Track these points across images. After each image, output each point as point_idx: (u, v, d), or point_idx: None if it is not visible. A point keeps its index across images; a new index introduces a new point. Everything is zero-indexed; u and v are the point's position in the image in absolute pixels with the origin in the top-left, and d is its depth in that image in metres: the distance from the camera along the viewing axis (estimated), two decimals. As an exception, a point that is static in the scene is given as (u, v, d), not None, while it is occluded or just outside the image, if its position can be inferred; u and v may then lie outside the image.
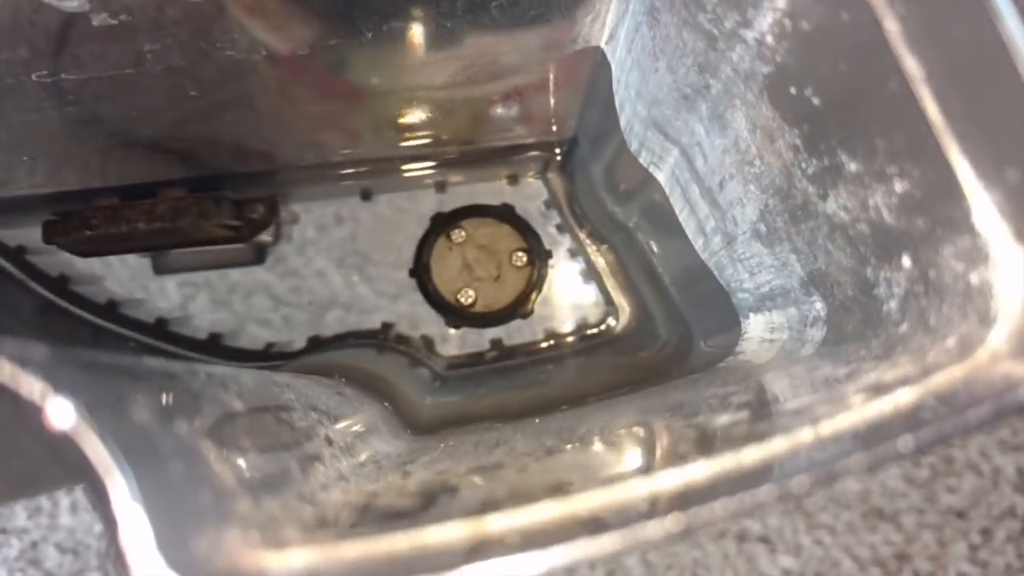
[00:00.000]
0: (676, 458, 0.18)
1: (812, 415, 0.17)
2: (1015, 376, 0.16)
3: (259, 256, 0.60)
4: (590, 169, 0.51)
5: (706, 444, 0.20)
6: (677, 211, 0.37)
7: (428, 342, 0.58)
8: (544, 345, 0.57)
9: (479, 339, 0.58)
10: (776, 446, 0.16)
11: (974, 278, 0.19)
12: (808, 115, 0.24)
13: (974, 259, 0.19)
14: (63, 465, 0.13)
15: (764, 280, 0.31)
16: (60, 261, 0.54)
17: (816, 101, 0.23)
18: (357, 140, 0.47)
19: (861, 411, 0.17)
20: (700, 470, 0.16)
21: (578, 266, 0.58)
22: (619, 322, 0.57)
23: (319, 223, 0.59)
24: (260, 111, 0.40)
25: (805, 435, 0.17)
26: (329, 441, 0.26)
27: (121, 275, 0.57)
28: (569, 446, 0.27)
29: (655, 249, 0.46)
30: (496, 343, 0.57)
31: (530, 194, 0.59)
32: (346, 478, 0.24)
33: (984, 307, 0.18)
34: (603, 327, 0.57)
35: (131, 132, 0.42)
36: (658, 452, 0.23)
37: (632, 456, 0.27)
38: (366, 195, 0.59)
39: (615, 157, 0.44)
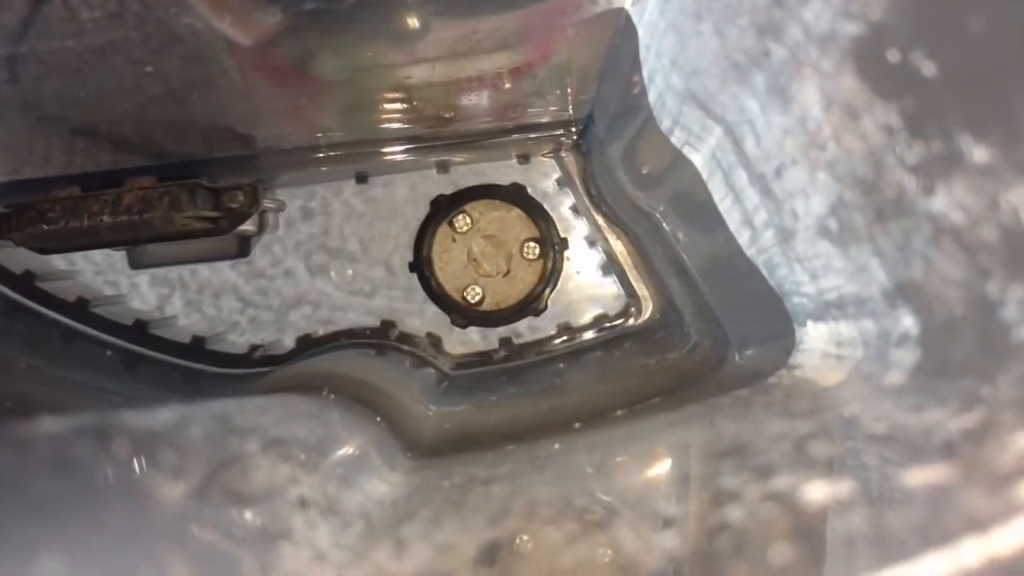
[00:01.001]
0: (774, 568, 0.12)
1: (969, 514, 0.12)
2: None
3: (243, 248, 0.54)
4: (608, 152, 0.45)
5: (811, 544, 0.15)
6: (717, 200, 0.32)
7: (435, 340, 0.53)
8: (558, 341, 0.52)
9: (487, 337, 0.53)
10: (934, 569, 0.11)
11: None
12: (914, 87, 0.18)
13: None
14: None
15: (831, 285, 0.26)
16: (25, 257, 0.49)
17: (928, 69, 0.17)
18: (346, 120, 0.42)
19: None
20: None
21: (595, 253, 0.52)
22: (642, 315, 0.52)
23: (308, 211, 0.54)
24: (229, 91, 0.35)
25: (971, 552, 0.11)
26: (303, 503, 0.21)
27: (93, 270, 0.52)
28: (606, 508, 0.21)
29: (685, 241, 0.40)
30: (505, 342, 0.52)
31: (542, 173, 0.54)
32: (324, 556, 0.19)
33: None
34: (624, 320, 0.52)
35: (86, 115, 0.36)
36: (725, 537, 0.17)
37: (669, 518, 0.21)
38: (361, 178, 0.53)
39: (639, 137, 0.39)
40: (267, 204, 0.52)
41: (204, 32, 0.28)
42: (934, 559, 0.11)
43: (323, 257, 0.54)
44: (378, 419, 0.37)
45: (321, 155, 0.45)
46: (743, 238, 0.31)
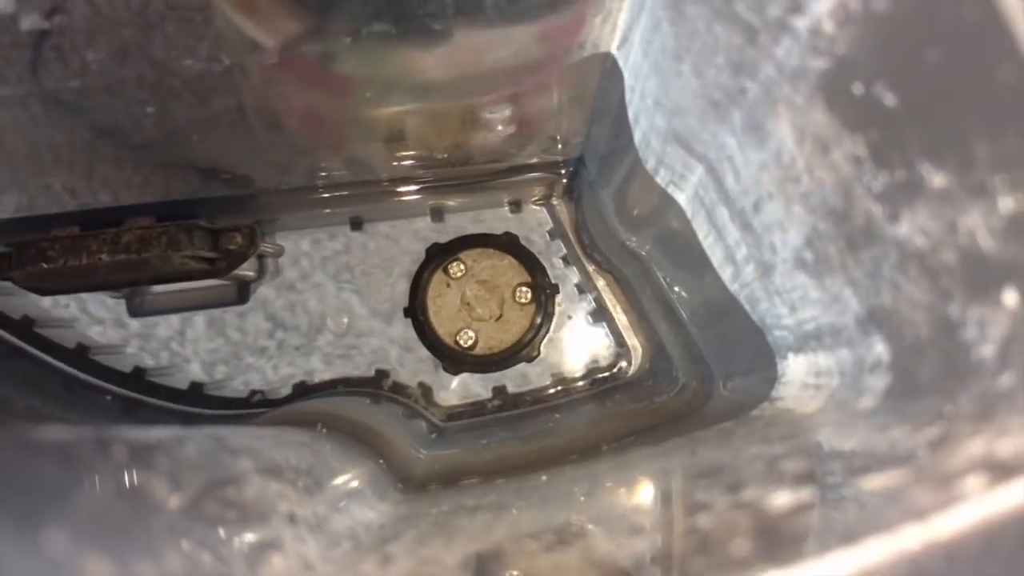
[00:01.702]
0: (731, 560, 0.13)
1: (911, 505, 0.13)
2: None
3: (242, 295, 0.55)
4: (598, 193, 0.46)
5: (768, 539, 0.15)
6: (701, 237, 0.32)
7: (426, 391, 0.53)
8: (552, 392, 0.53)
9: (481, 385, 0.53)
10: (874, 553, 0.12)
11: (1119, 321, 0.14)
12: (878, 119, 0.19)
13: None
14: None
15: (808, 316, 0.27)
16: (23, 302, 0.50)
17: (890, 101, 0.18)
18: (344, 154, 0.43)
19: (983, 502, 0.13)
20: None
21: (587, 303, 0.53)
22: (632, 365, 0.52)
23: (306, 257, 0.55)
24: (235, 127, 0.36)
25: (911, 537, 0.12)
26: (292, 519, 0.21)
27: (93, 318, 0.52)
28: (582, 519, 0.22)
29: (672, 281, 0.41)
30: (499, 390, 0.52)
31: (534, 223, 0.55)
32: (312, 566, 0.20)
33: None
34: (615, 371, 0.53)
35: (87, 153, 0.37)
36: (695, 539, 0.18)
37: (652, 535, 0.22)
38: (356, 224, 0.54)
39: (627, 178, 0.40)
40: (266, 248, 0.53)
41: (205, 52, 0.29)
42: (876, 543, 0.12)
43: (319, 305, 0.54)
44: (370, 454, 0.37)
45: (318, 196, 0.46)
46: (726, 274, 0.32)
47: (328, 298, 0.54)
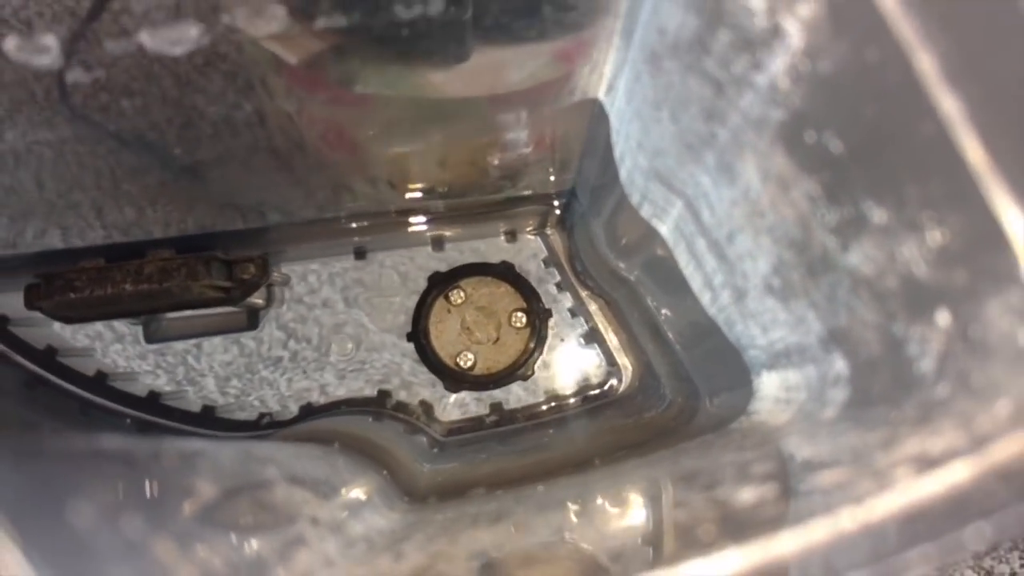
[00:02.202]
0: (699, 543, 0.15)
1: (852, 493, 0.15)
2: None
3: (252, 321, 0.58)
4: (590, 223, 0.49)
5: (732, 526, 0.18)
6: (682, 265, 0.35)
7: (427, 408, 0.56)
8: (545, 408, 0.55)
9: (479, 403, 0.56)
10: (816, 532, 0.14)
11: None
12: (827, 163, 0.22)
13: None
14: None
15: (778, 337, 0.30)
16: (47, 332, 0.53)
17: (836, 147, 0.21)
18: (357, 187, 0.45)
19: (908, 489, 0.15)
20: (730, 563, 0.14)
21: (579, 326, 0.56)
22: (622, 383, 0.55)
23: (313, 285, 0.57)
24: (256, 165, 0.39)
25: (848, 518, 0.15)
26: (315, 521, 0.24)
27: (111, 345, 0.55)
28: (575, 520, 0.25)
29: (659, 304, 0.44)
30: (496, 407, 0.55)
31: (529, 251, 0.58)
32: (333, 562, 0.22)
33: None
34: (606, 388, 0.55)
35: (113, 191, 0.40)
36: (672, 528, 0.21)
37: (641, 530, 0.25)
38: (360, 254, 0.57)
39: (616, 210, 0.43)
40: (274, 277, 0.55)
41: (229, 101, 0.32)
42: (818, 524, 0.14)
43: (325, 330, 0.57)
44: (377, 468, 0.40)
45: (326, 228, 0.49)
46: (705, 299, 0.35)
47: (333, 323, 0.57)
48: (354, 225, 0.51)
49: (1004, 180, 0.16)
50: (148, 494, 0.16)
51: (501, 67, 0.32)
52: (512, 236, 0.58)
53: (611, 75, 0.33)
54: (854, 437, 0.22)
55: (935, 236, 0.19)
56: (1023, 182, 0.16)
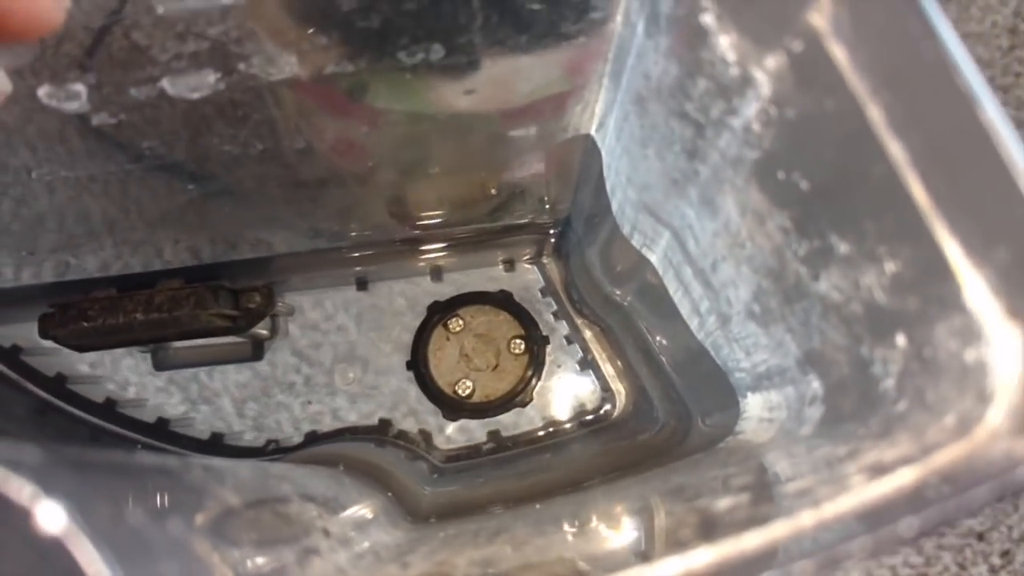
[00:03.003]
0: (678, 544, 0.17)
1: (813, 497, 0.17)
2: (1016, 454, 0.16)
3: (257, 352, 0.60)
4: (585, 251, 0.51)
5: (708, 528, 0.20)
6: (671, 292, 0.37)
7: (426, 436, 0.57)
8: (542, 434, 0.57)
9: (477, 431, 0.57)
10: (777, 530, 0.16)
11: (969, 356, 0.19)
12: (797, 199, 0.24)
13: (968, 337, 0.19)
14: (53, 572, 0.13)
15: (760, 360, 0.32)
16: (57, 361, 0.54)
17: (804, 185, 0.23)
18: (357, 213, 0.47)
19: (862, 492, 0.17)
20: (701, 557, 0.16)
21: (575, 353, 0.58)
22: (616, 408, 0.57)
23: (315, 315, 0.59)
24: (265, 198, 0.41)
25: (806, 518, 0.17)
26: (327, 533, 0.25)
27: (120, 373, 0.57)
28: (571, 534, 0.26)
29: (651, 329, 0.46)
30: (493, 434, 0.57)
31: (527, 280, 0.60)
32: (344, 571, 0.24)
33: (981, 385, 0.18)
34: (601, 413, 0.57)
35: (126, 225, 0.42)
36: (660, 537, 0.22)
37: (633, 542, 0.26)
38: (362, 284, 0.59)
39: (609, 239, 0.45)
40: (278, 307, 0.57)
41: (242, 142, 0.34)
42: (780, 524, 0.16)
43: (327, 360, 0.59)
44: (381, 489, 0.42)
45: (329, 257, 0.51)
46: (693, 324, 0.37)
47: (334, 354, 0.59)
48: (356, 254, 0.52)
49: (944, 217, 0.18)
50: (181, 501, 0.18)
51: (511, 79, 0.33)
52: (510, 265, 0.60)
53: (601, 114, 0.36)
54: (825, 451, 0.23)
55: (890, 266, 0.21)
56: (961, 220, 0.18)
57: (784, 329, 0.28)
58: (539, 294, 0.59)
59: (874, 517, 0.16)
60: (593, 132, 0.37)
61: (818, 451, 0.24)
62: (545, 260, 0.60)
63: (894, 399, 0.22)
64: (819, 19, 0.19)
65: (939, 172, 0.18)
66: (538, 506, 0.36)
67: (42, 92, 0.29)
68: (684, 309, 0.37)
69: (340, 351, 0.59)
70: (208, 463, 0.22)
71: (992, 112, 0.17)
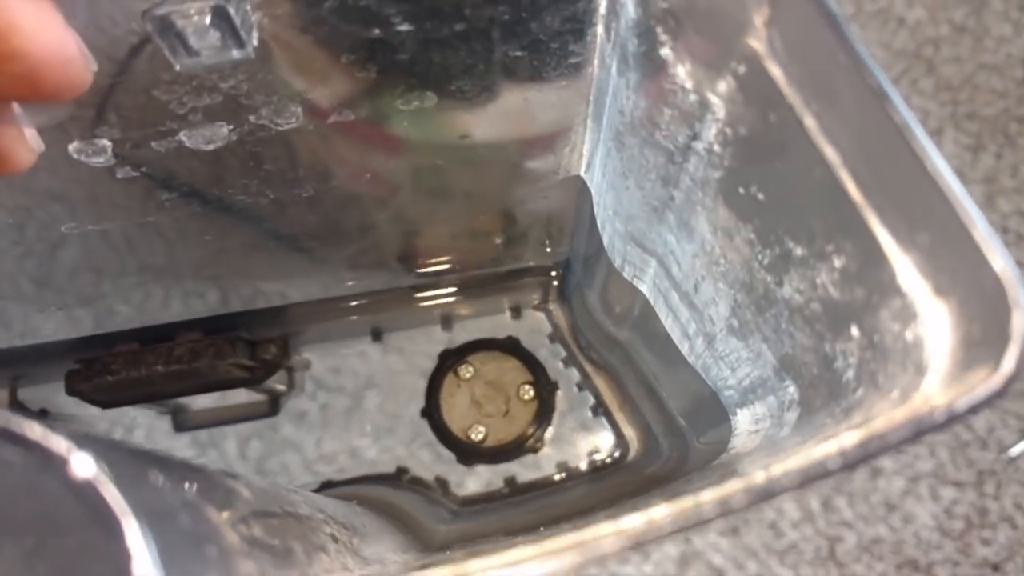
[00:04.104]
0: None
1: (766, 463, 0.19)
2: (936, 403, 0.18)
3: (274, 407, 0.62)
4: (585, 294, 0.53)
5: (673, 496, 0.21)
6: (662, 319, 0.39)
7: (443, 483, 0.59)
8: (557, 479, 0.58)
9: (493, 478, 0.59)
10: (730, 487, 0.18)
11: (909, 335, 0.21)
12: (757, 210, 0.26)
13: (906, 318, 0.21)
14: (85, 510, 0.15)
15: (744, 374, 0.33)
16: (81, 425, 0.57)
17: (761, 197, 0.25)
18: (369, 259, 0.50)
19: (808, 454, 0.19)
20: (661, 511, 0.18)
21: (587, 399, 0.59)
22: (630, 453, 0.58)
23: (331, 369, 0.62)
24: (279, 250, 0.44)
25: (757, 477, 0.18)
26: (335, 539, 0.27)
27: (140, 435, 0.59)
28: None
29: (649, 362, 0.48)
30: (509, 481, 0.58)
31: (534, 327, 0.62)
32: (350, 570, 0.26)
33: (919, 359, 0.20)
34: (616, 457, 0.58)
35: (146, 278, 0.45)
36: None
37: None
38: (376, 335, 0.62)
39: (606, 278, 0.47)
40: (295, 361, 0.60)
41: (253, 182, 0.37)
42: (733, 483, 0.18)
43: (343, 410, 0.61)
44: (397, 524, 0.43)
45: (343, 305, 0.54)
46: (684, 348, 0.39)
47: (349, 405, 0.61)
48: (367, 302, 0.55)
49: (874, 209, 0.20)
50: (204, 487, 0.20)
51: (528, 108, 0.35)
52: (517, 312, 0.62)
53: (588, 154, 0.38)
54: (794, 441, 0.25)
55: (838, 261, 0.23)
56: (889, 210, 0.20)
57: (760, 339, 0.30)
58: (547, 340, 0.61)
59: (814, 467, 0.18)
60: (583, 173, 0.40)
61: (788, 443, 0.26)
62: (551, 307, 0.62)
63: (854, 388, 0.24)
64: (757, 43, 0.22)
65: (866, 169, 0.20)
66: (542, 528, 0.37)
67: (72, 148, 0.32)
68: (675, 335, 0.39)
69: (356, 401, 0.61)
70: (221, 467, 0.24)
71: (904, 113, 0.19)
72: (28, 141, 0.25)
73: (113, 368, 0.50)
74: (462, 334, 0.63)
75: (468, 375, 0.62)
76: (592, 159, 0.38)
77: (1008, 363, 0.17)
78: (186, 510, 0.17)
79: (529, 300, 0.61)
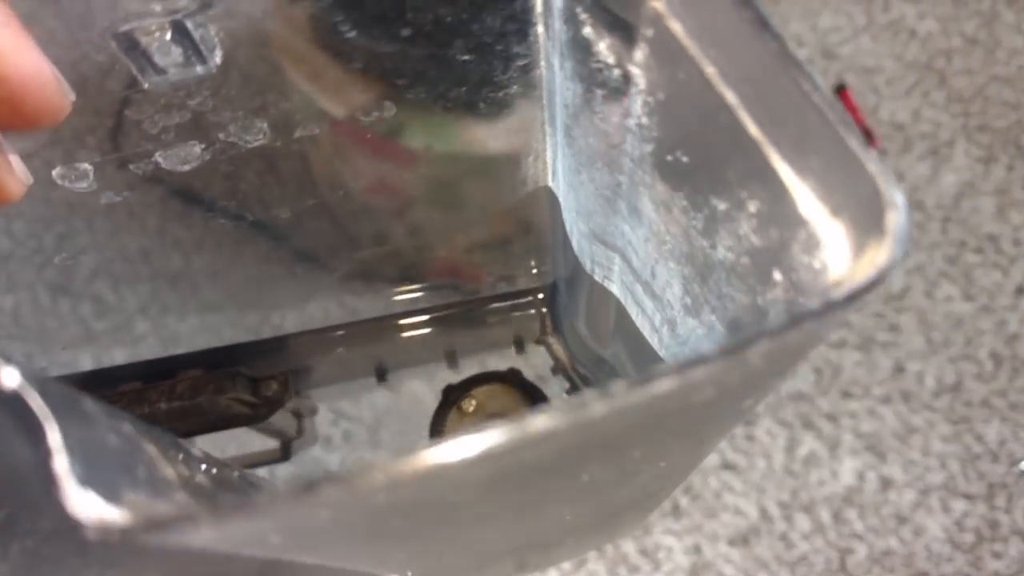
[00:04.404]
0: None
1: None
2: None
3: (285, 453, 0.63)
4: (574, 320, 0.54)
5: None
6: (633, 317, 0.40)
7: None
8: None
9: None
10: (659, 385, 0.19)
11: (816, 263, 0.22)
12: (685, 175, 0.27)
13: (812, 247, 0.22)
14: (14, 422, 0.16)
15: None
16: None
17: (685, 160, 0.27)
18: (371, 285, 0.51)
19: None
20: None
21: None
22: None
23: (338, 412, 0.63)
24: (265, 278, 0.45)
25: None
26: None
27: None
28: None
29: (631, 371, 0.48)
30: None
31: (537, 360, 0.63)
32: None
33: (826, 283, 0.21)
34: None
35: (147, 310, 0.47)
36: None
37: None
38: (381, 375, 0.63)
39: (588, 297, 0.48)
40: (302, 406, 0.61)
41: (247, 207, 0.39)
42: (662, 381, 0.19)
43: (350, 450, 0.62)
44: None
45: (340, 335, 0.55)
46: (655, 342, 0.39)
47: (361, 440, 0.62)
48: (369, 336, 0.56)
49: (772, 143, 0.21)
50: (144, 435, 0.21)
51: (486, 116, 0.37)
52: (520, 347, 0.64)
53: (551, 161, 0.40)
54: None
55: (752, 206, 0.24)
56: (781, 141, 0.21)
57: (709, 311, 0.31)
58: (550, 373, 0.62)
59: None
60: (550, 183, 0.42)
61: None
62: (550, 339, 0.63)
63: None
64: (658, 3, 0.24)
65: (759, 104, 0.22)
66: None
67: (55, 173, 0.34)
68: (646, 330, 0.40)
69: (363, 440, 0.62)
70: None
71: (776, 33, 0.20)
72: (16, 172, 0.27)
73: (118, 407, 0.52)
74: (469, 370, 0.64)
75: (471, 408, 0.62)
76: (555, 166, 0.40)
77: (882, 256, 0.18)
78: (118, 436, 0.18)
79: (531, 332, 0.62)
